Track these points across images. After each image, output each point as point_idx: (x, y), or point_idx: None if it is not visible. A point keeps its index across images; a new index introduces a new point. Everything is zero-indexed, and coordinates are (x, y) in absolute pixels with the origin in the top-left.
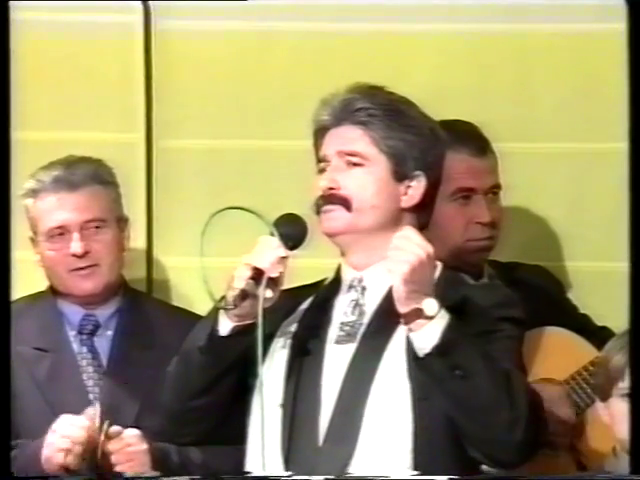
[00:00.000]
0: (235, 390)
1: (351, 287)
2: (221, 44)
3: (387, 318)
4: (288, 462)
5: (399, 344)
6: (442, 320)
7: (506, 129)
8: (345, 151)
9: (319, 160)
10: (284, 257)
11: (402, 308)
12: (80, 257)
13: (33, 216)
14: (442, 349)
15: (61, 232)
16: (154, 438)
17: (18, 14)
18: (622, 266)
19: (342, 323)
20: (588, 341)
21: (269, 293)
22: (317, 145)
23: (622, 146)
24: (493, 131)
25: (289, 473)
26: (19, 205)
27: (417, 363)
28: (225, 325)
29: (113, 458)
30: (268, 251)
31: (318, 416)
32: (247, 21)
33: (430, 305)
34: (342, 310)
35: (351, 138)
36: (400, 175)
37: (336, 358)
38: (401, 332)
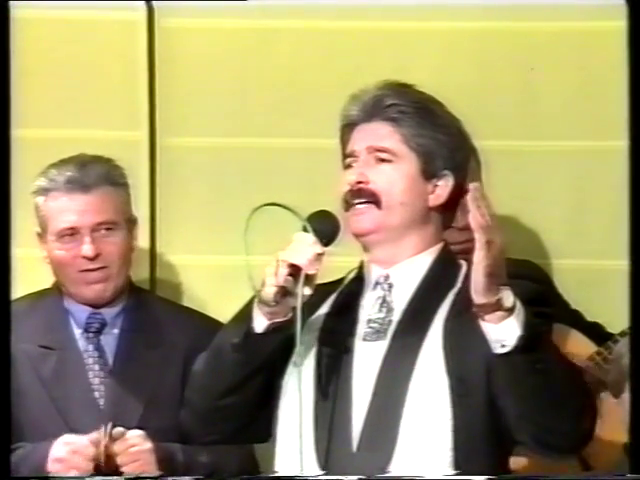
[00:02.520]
0: (263, 390)
1: (377, 284)
2: (224, 42)
3: (419, 315)
4: (325, 467)
5: (435, 341)
6: (521, 312)
7: (506, 127)
8: (375, 147)
9: (346, 155)
10: (320, 254)
11: (481, 299)
12: (91, 259)
13: (44, 214)
14: (527, 342)
15: (72, 233)
16: (160, 437)
17: (20, 12)
18: (621, 264)
19: (369, 320)
20: None
21: (307, 290)
22: (344, 140)
23: (622, 144)
24: (494, 129)
25: (304, 473)
26: (20, 203)
27: (497, 359)
28: (260, 322)
29: (118, 459)
30: (305, 248)
31: (351, 417)
32: (250, 19)
33: (508, 296)
34: (368, 307)
35: (381, 134)
36: (428, 173)
37: (365, 356)
38: (436, 328)
